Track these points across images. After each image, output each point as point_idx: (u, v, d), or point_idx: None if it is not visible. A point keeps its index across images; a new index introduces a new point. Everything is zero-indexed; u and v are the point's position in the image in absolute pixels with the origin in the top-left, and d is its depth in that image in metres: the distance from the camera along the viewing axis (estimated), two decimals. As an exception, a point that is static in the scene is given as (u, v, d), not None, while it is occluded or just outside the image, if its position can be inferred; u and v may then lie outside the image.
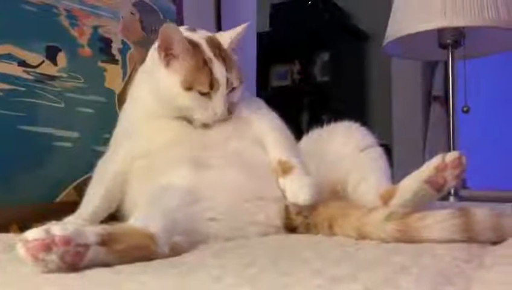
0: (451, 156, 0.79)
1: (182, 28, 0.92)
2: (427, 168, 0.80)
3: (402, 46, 1.61)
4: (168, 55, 0.85)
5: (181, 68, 0.84)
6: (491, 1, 1.40)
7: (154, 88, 0.88)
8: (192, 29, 0.92)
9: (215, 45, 0.87)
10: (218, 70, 0.84)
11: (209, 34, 0.91)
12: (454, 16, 1.40)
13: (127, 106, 0.97)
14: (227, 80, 0.85)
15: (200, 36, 0.89)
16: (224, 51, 0.88)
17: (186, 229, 0.69)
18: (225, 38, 0.90)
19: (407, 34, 1.47)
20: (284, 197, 0.80)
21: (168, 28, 0.83)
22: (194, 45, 0.85)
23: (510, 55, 1.78)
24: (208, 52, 0.85)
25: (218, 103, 0.85)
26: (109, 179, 0.88)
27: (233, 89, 0.87)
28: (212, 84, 0.84)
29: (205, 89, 0.84)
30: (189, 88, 0.83)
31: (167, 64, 0.85)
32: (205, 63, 0.84)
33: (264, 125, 0.90)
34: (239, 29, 0.91)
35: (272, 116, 0.93)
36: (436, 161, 0.79)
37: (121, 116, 0.97)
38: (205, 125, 0.87)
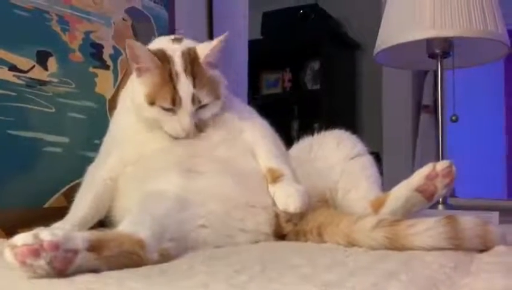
0: (442, 164, 0.80)
1: (167, 38, 0.92)
2: (418, 177, 0.81)
3: (392, 55, 1.63)
4: (138, 68, 0.85)
5: (147, 81, 0.84)
6: (479, 13, 1.43)
7: (131, 98, 0.88)
8: (178, 39, 0.91)
9: (190, 59, 0.85)
10: (183, 86, 0.83)
11: (192, 45, 0.89)
12: (443, 26, 1.42)
13: (118, 113, 0.97)
14: (194, 96, 0.83)
15: (178, 48, 0.87)
16: (198, 65, 0.85)
17: (175, 235, 0.68)
18: (203, 50, 0.87)
19: (397, 43, 1.49)
20: (274, 204, 0.80)
21: (130, 43, 0.83)
22: (165, 58, 0.84)
23: (497, 66, 1.81)
24: (178, 67, 0.84)
25: (182, 119, 0.83)
26: (99, 185, 0.87)
27: (203, 106, 0.85)
28: (174, 101, 0.82)
29: (167, 105, 0.83)
30: (151, 103, 0.83)
31: (138, 76, 0.85)
32: (171, 78, 0.83)
33: (255, 133, 0.90)
34: (215, 42, 0.87)
35: (262, 124, 0.93)
36: (427, 169, 0.80)
37: (112, 123, 0.97)
38: (181, 138, 0.85)
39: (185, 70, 0.84)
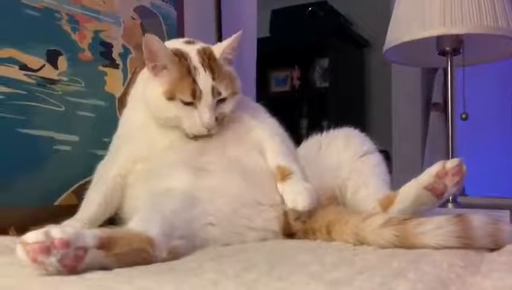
0: (452, 163, 0.79)
1: (179, 40, 0.92)
2: (428, 175, 0.80)
3: (402, 52, 1.62)
4: (155, 66, 0.84)
5: (165, 79, 0.83)
6: (489, 9, 1.41)
7: (145, 99, 0.88)
8: (190, 42, 0.91)
9: (205, 55, 0.85)
10: (203, 79, 0.82)
11: (205, 45, 0.89)
12: (453, 23, 1.41)
13: (127, 110, 0.97)
14: (213, 88, 0.83)
15: (193, 48, 0.87)
16: (215, 60, 0.86)
17: (184, 233, 0.69)
18: (218, 48, 0.88)
19: (406, 41, 1.48)
20: (283, 202, 0.80)
21: (149, 38, 0.82)
22: (182, 55, 0.84)
23: (508, 63, 1.79)
24: (195, 61, 0.84)
25: (203, 112, 0.82)
26: (109, 182, 0.88)
27: (223, 99, 0.85)
28: (195, 93, 0.82)
29: (187, 98, 0.82)
30: (170, 98, 0.82)
31: (155, 75, 0.85)
32: (189, 72, 0.83)
33: (264, 131, 0.90)
34: (231, 38, 0.88)
35: (271, 122, 0.93)
36: (436, 167, 0.80)
37: (122, 120, 0.97)
38: (200, 138, 0.85)
39: (203, 65, 0.84)
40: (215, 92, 0.83)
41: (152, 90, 0.85)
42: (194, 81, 0.82)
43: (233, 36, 0.88)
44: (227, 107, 0.86)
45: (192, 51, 0.86)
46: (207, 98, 0.83)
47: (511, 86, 2.72)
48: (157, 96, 0.83)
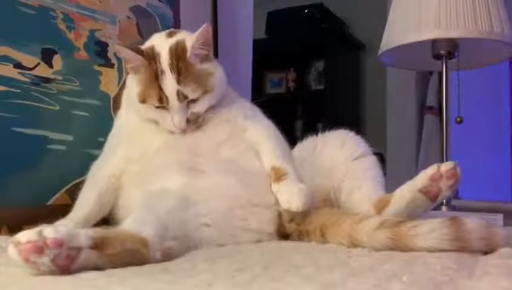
0: (447, 166, 0.79)
1: (163, 33, 0.92)
2: (422, 178, 0.80)
3: (397, 56, 1.63)
4: (131, 67, 0.87)
5: (138, 79, 0.86)
6: (484, 14, 1.42)
7: (129, 99, 0.91)
8: (171, 33, 0.91)
9: (176, 54, 0.85)
10: (168, 83, 0.83)
11: (183, 37, 0.88)
12: (448, 27, 1.41)
13: (122, 110, 0.97)
14: (179, 93, 0.83)
15: (167, 43, 0.87)
16: (184, 60, 0.84)
17: (178, 234, 0.68)
18: (190, 42, 0.86)
19: (402, 44, 1.49)
20: (277, 203, 0.80)
21: (118, 48, 0.86)
22: (153, 56, 0.85)
23: (502, 67, 1.80)
24: (164, 63, 0.84)
25: (173, 116, 0.84)
26: (102, 182, 0.87)
27: (194, 100, 0.85)
28: (161, 99, 0.84)
29: (155, 104, 0.84)
30: (143, 101, 0.85)
31: (134, 73, 0.87)
32: (157, 77, 0.84)
33: (259, 132, 0.90)
34: (198, 32, 0.85)
35: (266, 123, 0.93)
36: (431, 170, 0.80)
37: (116, 121, 0.97)
38: (178, 134, 0.86)
39: (171, 67, 0.84)
40: (180, 96, 0.84)
41: (131, 88, 0.88)
42: (160, 87, 0.84)
43: (200, 30, 0.86)
44: (199, 107, 0.86)
45: (164, 49, 0.86)
46: (173, 102, 0.84)
47: (507, 90, 2.74)
48: (134, 96, 0.86)
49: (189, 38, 0.87)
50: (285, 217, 0.82)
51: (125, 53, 0.86)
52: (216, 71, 0.89)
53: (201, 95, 0.86)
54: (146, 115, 0.87)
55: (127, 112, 0.94)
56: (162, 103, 0.84)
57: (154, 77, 0.84)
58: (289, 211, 0.79)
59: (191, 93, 0.84)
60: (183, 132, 0.86)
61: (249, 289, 0.48)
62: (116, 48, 0.87)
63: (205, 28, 0.86)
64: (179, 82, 0.83)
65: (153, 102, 0.84)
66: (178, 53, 0.85)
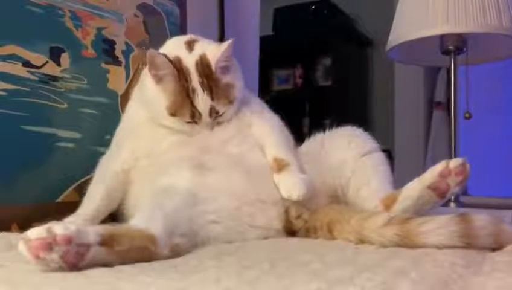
0: (456, 162, 0.79)
1: (181, 41, 0.91)
2: (431, 174, 0.80)
3: (405, 51, 1.61)
4: (156, 74, 0.85)
5: (167, 91, 0.85)
6: (493, 8, 1.41)
7: (145, 99, 0.89)
8: (190, 43, 0.90)
9: (203, 70, 0.86)
10: (201, 101, 0.85)
11: (203, 49, 0.88)
12: (456, 22, 1.40)
13: (130, 106, 0.97)
14: (212, 109, 0.86)
15: (192, 58, 0.87)
16: (212, 77, 0.86)
17: (186, 231, 0.69)
18: (213, 58, 0.87)
19: (410, 39, 1.48)
20: (278, 192, 0.81)
21: (151, 54, 0.84)
22: (182, 70, 0.85)
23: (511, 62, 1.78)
24: (195, 81, 0.85)
25: (203, 128, 0.87)
26: (111, 178, 0.88)
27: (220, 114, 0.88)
28: (194, 115, 0.85)
29: (187, 120, 0.86)
30: (172, 114, 0.86)
31: (157, 82, 0.86)
32: (188, 93, 0.85)
33: (263, 127, 0.90)
34: (224, 45, 0.87)
35: (271, 118, 0.94)
36: (440, 167, 0.79)
37: (125, 116, 0.97)
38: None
39: (202, 84, 0.85)
40: (213, 112, 0.86)
41: (157, 101, 0.86)
42: (193, 104, 0.85)
43: (226, 44, 0.87)
44: (224, 117, 0.89)
45: (191, 64, 0.86)
46: (205, 118, 0.86)
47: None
48: (160, 106, 0.86)
49: (211, 53, 0.87)
50: (293, 213, 0.82)
51: (159, 60, 0.84)
52: (236, 82, 0.90)
53: (228, 108, 0.88)
54: (171, 126, 0.87)
55: (136, 107, 0.94)
56: (194, 118, 0.86)
57: (185, 93, 0.85)
58: (290, 199, 0.79)
59: (222, 108, 0.87)
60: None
61: (256, 285, 0.48)
62: (149, 53, 0.84)
63: (230, 44, 0.87)
64: (212, 99, 0.85)
65: (185, 118, 0.86)
66: (205, 70, 0.86)
